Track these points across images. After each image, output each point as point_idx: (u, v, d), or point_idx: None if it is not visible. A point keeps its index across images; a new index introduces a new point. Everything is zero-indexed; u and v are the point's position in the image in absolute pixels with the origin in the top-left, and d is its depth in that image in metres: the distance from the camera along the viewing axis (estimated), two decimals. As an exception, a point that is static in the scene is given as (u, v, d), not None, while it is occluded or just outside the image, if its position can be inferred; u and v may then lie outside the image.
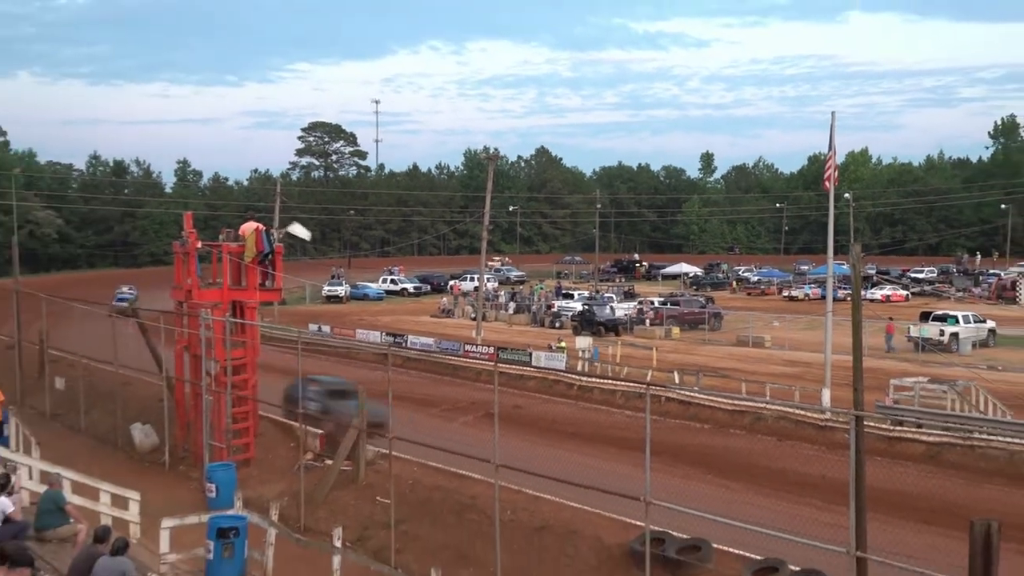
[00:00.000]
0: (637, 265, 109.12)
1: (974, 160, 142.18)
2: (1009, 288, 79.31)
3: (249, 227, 29.15)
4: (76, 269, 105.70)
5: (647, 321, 61.77)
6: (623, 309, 63.62)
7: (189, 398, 29.10)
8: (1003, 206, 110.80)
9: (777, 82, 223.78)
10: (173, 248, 32.22)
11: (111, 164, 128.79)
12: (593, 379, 39.95)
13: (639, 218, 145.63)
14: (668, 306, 65.34)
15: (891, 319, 52.32)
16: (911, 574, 14.35)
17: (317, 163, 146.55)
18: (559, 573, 19.78)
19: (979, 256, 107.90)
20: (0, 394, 25.49)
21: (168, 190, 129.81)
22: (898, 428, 29.05)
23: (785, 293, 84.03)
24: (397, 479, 22.48)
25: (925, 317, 53.12)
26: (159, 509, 19.34)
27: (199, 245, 29.31)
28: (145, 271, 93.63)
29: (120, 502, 19.18)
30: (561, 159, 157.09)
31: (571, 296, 71.65)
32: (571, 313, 62.29)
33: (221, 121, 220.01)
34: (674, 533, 18.78)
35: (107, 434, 31.60)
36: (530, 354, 44.21)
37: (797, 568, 17.27)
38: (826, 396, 32.38)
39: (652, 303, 67.14)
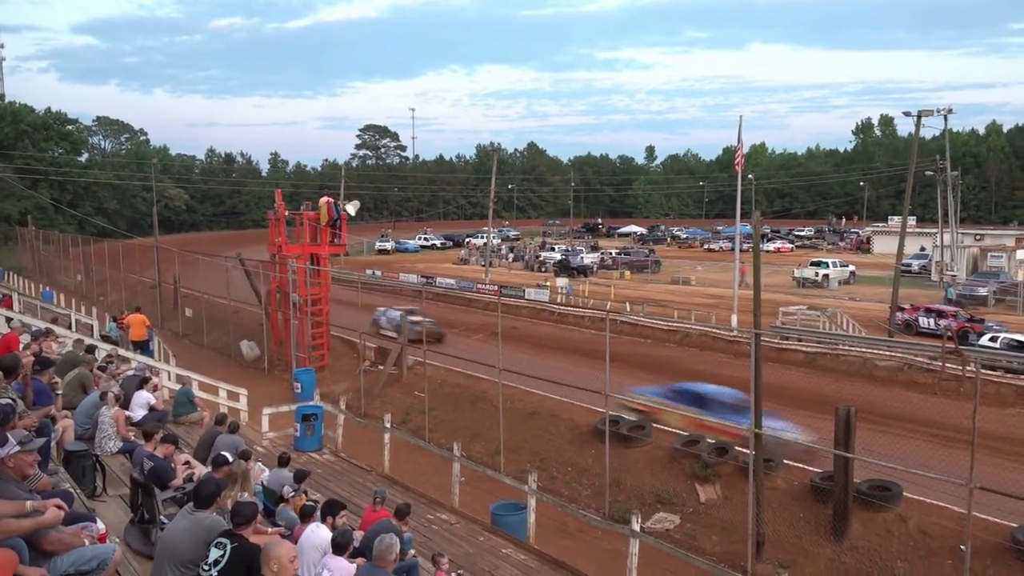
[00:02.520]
0: (600, 227, 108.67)
1: (841, 150, 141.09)
2: (865, 242, 79.23)
3: (324, 201, 29.13)
4: (199, 231, 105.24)
5: (607, 267, 61.74)
6: (590, 258, 63.47)
7: (280, 322, 29.17)
8: (861, 183, 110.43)
9: (700, 94, 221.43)
10: (268, 216, 32.10)
11: (223, 155, 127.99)
12: (569, 308, 40.01)
13: (601, 193, 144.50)
14: (622, 256, 65.26)
15: (743, 264, 52.90)
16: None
17: (370, 154, 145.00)
18: (544, 444, 19.94)
19: (844, 219, 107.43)
20: (147, 320, 25.48)
21: (263, 174, 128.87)
22: (785, 342, 29.12)
23: (706, 247, 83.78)
24: (430, 379, 22.58)
25: (814, 264, 53.16)
26: (260, 400, 19.47)
27: (286, 214, 29.22)
28: (248, 232, 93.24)
29: (233, 396, 19.27)
30: (545, 151, 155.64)
31: (552, 249, 71.53)
32: (553, 261, 62.20)
33: (301, 124, 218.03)
34: (626, 416, 18.91)
35: (222, 348, 31.70)
36: (524, 290, 44.24)
37: (713, 441, 17.41)
38: (734, 319, 32.45)
39: (611, 254, 67.01)
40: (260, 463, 11.65)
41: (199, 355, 30.26)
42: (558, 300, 42.43)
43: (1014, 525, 13.04)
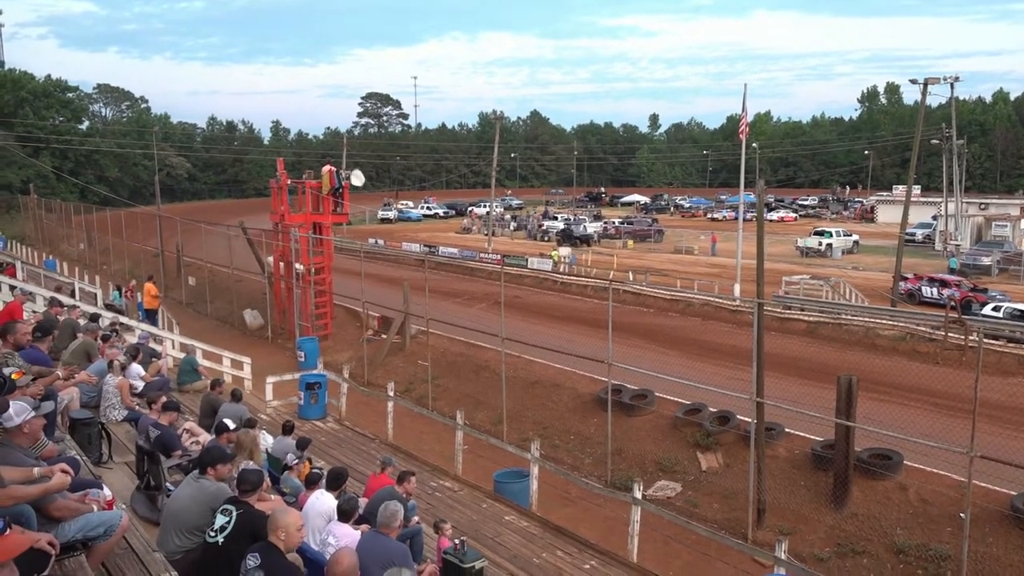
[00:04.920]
0: (603, 196, 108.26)
1: (846, 119, 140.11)
2: (869, 212, 78.95)
3: (326, 169, 29.04)
4: (201, 200, 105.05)
5: (610, 236, 61.59)
6: (593, 227, 63.28)
7: (284, 291, 29.19)
8: (866, 152, 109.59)
9: (704, 62, 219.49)
10: (270, 185, 32.00)
11: (224, 123, 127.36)
12: (571, 277, 39.99)
13: (604, 162, 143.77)
14: (625, 225, 65.05)
15: (711, 232, 53.60)
16: (793, 412, 14.53)
17: (372, 123, 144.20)
18: (547, 413, 20.04)
19: (848, 189, 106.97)
20: (153, 288, 25.56)
21: (265, 142, 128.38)
22: (787, 311, 29.12)
23: (709, 216, 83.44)
24: (433, 348, 22.65)
25: (817, 233, 53.16)
26: (264, 369, 19.53)
27: (289, 182, 29.13)
28: (250, 201, 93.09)
29: (237, 365, 19.34)
30: (548, 119, 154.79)
31: (555, 218, 71.33)
32: (555, 230, 62.04)
33: (302, 92, 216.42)
34: (628, 386, 18.97)
35: (226, 317, 31.78)
36: (526, 259, 44.19)
37: (715, 410, 17.48)
38: (737, 289, 32.41)
39: (614, 223, 66.78)
40: (264, 431, 11.72)
41: (203, 324, 30.34)
42: (561, 269, 42.39)
43: (1013, 493, 13.12)
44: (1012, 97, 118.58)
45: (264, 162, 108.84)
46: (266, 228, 33.35)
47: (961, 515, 11.55)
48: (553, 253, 45.90)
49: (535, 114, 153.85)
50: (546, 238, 61.38)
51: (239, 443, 8.97)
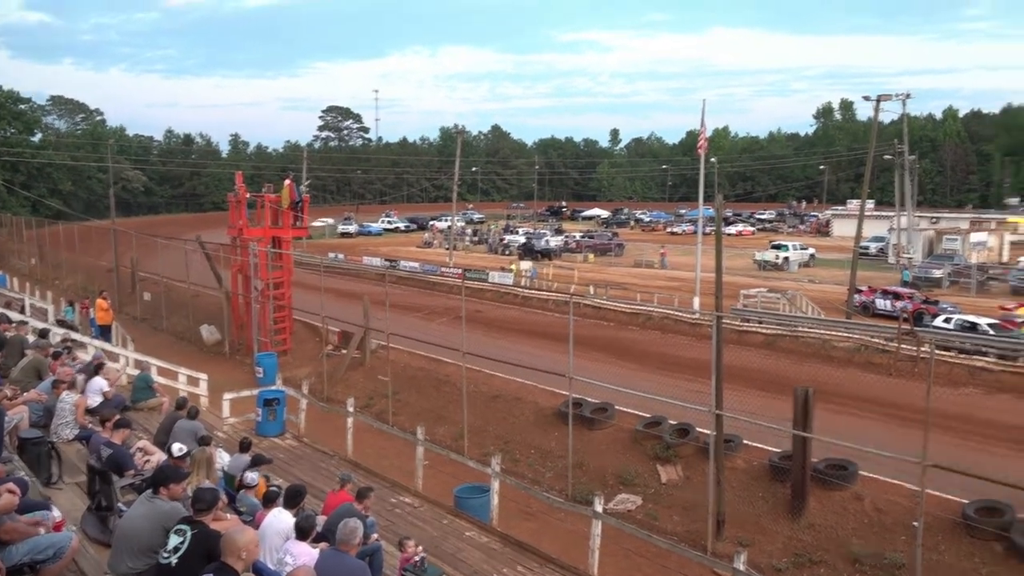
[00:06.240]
0: (564, 210, 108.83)
1: (802, 135, 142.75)
2: (824, 225, 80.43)
3: (287, 182, 28.89)
4: (157, 214, 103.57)
5: (571, 250, 61.87)
6: (554, 241, 63.57)
7: (242, 306, 28.86)
8: (821, 167, 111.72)
9: (663, 77, 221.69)
10: (228, 199, 31.68)
11: (181, 136, 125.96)
12: (533, 291, 40.10)
13: (565, 176, 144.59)
14: (586, 239, 65.48)
15: (663, 246, 54.48)
16: (752, 424, 14.70)
17: (333, 136, 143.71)
18: (508, 427, 20.02)
19: (804, 203, 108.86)
20: (105, 304, 25.08)
21: (224, 156, 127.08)
22: (746, 324, 29.49)
23: (669, 230, 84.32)
24: (393, 363, 22.53)
25: (774, 247, 54.01)
26: (221, 386, 19.23)
27: (247, 196, 28.89)
28: (208, 215, 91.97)
29: (193, 381, 19.03)
30: (509, 133, 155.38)
31: (516, 232, 71.57)
32: (516, 244, 62.20)
33: (262, 105, 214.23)
34: (589, 399, 19.04)
35: (182, 332, 31.30)
36: (488, 273, 44.23)
37: (675, 422, 17.61)
38: (696, 302, 32.77)
39: (575, 237, 67.18)
40: (221, 449, 11.56)
41: (158, 340, 29.82)
42: (522, 283, 42.47)
43: (965, 501, 13.41)
44: (961, 114, 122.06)
45: (223, 176, 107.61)
46: (224, 243, 32.99)
47: (915, 523, 11.76)
48: (514, 267, 45.99)
49: (496, 128, 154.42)
50: (507, 252, 61.48)
51: (194, 460, 8.83)
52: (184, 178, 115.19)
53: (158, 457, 9.42)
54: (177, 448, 8.80)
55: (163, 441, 10.62)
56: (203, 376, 19.14)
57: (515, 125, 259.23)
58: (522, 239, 64.12)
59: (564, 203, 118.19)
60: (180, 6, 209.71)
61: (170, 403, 13.44)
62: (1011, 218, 66.40)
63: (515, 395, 21.11)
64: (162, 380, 17.66)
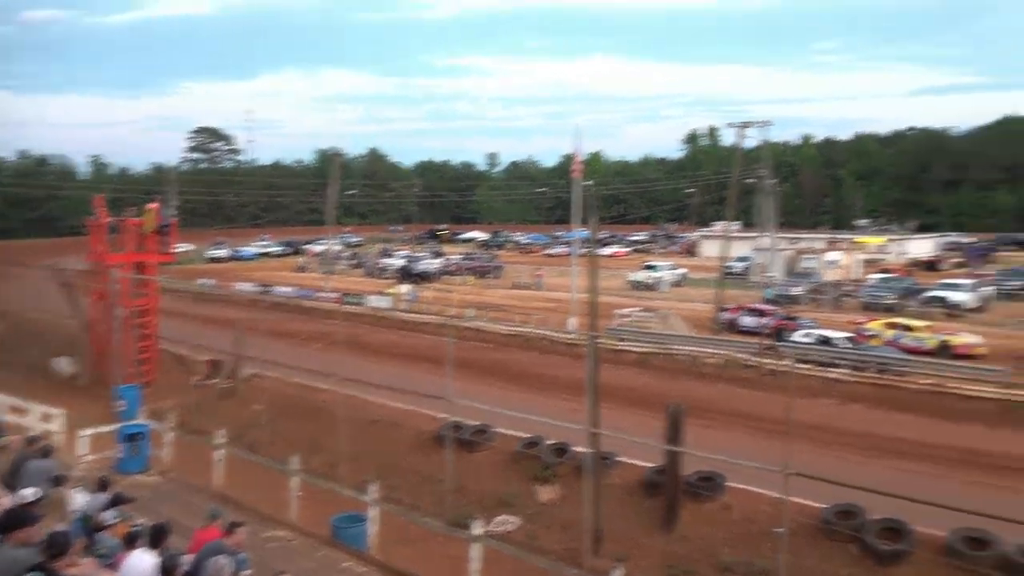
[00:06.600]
0: (443, 232, 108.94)
1: (672, 159, 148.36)
2: (692, 246, 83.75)
3: (152, 206, 27.75)
4: (10, 239, 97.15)
5: (450, 272, 61.88)
6: (433, 264, 63.42)
7: (103, 336, 27.38)
8: (689, 191, 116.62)
9: (539, 102, 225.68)
10: (87, 223, 30.10)
11: (36, 157, 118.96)
12: (412, 314, 39.86)
13: (445, 199, 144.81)
14: (465, 261, 65.70)
15: (540, 268, 56.30)
16: (626, 441, 15.10)
17: (203, 157, 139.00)
18: (387, 452, 19.76)
19: (675, 224, 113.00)
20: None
21: (83, 178, 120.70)
22: (621, 343, 30.25)
23: (546, 252, 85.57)
24: (267, 391, 21.93)
25: (647, 267, 55.69)
26: (80, 422, 18.14)
27: (109, 220, 27.55)
28: (67, 240, 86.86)
29: (46, 418, 17.89)
30: (387, 156, 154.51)
31: (393, 255, 71.08)
32: (394, 268, 61.76)
33: (126, 124, 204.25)
34: (468, 422, 19.06)
35: (36, 366, 29.35)
36: (365, 297, 43.64)
37: (553, 442, 17.87)
38: (572, 322, 33.39)
39: (454, 259, 67.30)
40: (79, 489, 10.90)
41: (7, 374, 27.85)
42: (401, 307, 42.12)
43: (824, 506, 14.19)
44: (816, 140, 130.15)
45: (82, 199, 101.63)
46: (83, 269, 31.27)
47: (778, 530, 12.35)
48: (392, 290, 45.61)
49: (374, 151, 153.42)
50: (384, 275, 60.93)
51: (45, 504, 8.30)
52: (39, 201, 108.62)
53: (6, 501, 8.79)
54: (32, 492, 8.28)
55: (11, 484, 9.93)
56: (58, 412, 18.02)
57: (395, 147, 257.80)
58: (401, 262, 63.70)
59: (444, 225, 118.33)
60: (36, 20, 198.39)
61: (20, 442, 12.57)
62: (860, 238, 71.02)
63: (393, 420, 20.92)
64: (11, 418, 16.51)
